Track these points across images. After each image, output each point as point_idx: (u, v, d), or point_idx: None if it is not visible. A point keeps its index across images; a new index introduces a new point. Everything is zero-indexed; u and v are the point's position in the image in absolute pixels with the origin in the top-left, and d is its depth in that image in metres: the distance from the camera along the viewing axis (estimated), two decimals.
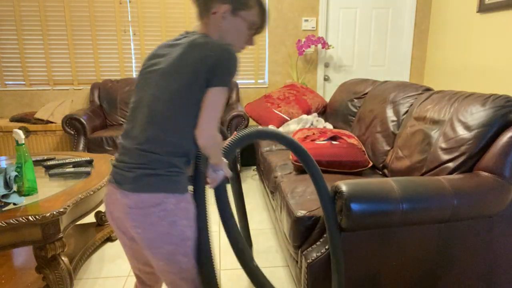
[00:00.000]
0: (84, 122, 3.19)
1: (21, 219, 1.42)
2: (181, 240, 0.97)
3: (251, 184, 3.43)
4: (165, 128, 0.95)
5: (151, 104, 0.96)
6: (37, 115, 3.55)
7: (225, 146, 1.12)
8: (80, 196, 1.66)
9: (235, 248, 1.11)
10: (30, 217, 1.43)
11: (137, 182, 0.94)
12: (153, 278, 1.18)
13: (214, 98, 0.94)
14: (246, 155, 3.71)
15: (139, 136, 0.96)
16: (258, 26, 1.09)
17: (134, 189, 0.94)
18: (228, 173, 1.07)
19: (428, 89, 2.07)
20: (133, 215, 0.95)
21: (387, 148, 2.08)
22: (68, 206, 1.55)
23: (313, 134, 2.29)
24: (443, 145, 1.58)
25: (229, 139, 1.15)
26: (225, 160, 1.06)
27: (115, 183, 0.98)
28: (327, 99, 4.19)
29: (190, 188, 1.03)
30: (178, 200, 0.96)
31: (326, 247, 1.34)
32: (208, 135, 0.94)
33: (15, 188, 1.61)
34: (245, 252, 1.12)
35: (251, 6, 1.05)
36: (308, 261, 1.36)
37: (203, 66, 0.93)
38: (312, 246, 1.41)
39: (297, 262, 1.54)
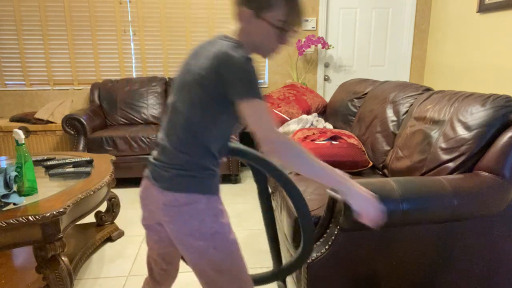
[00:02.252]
0: (84, 122, 3.19)
1: (21, 219, 1.42)
2: (211, 235, 1.00)
3: (251, 184, 3.43)
4: (197, 132, 0.98)
5: (185, 108, 1.00)
6: (37, 115, 3.55)
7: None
8: (80, 196, 1.66)
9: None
10: (30, 217, 1.43)
11: (172, 181, 0.99)
12: (164, 276, 1.21)
13: (251, 110, 0.93)
14: None
15: (174, 138, 1.01)
16: (289, 25, 1.02)
17: (169, 187, 0.99)
18: (372, 199, 1.03)
19: (428, 89, 2.07)
20: (166, 212, 1.01)
21: (387, 148, 2.08)
22: (68, 206, 1.55)
23: (313, 134, 2.29)
24: (443, 145, 1.58)
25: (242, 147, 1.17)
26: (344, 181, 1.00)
27: (152, 180, 1.04)
28: (327, 99, 4.19)
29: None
30: (209, 200, 1.01)
31: (326, 247, 1.34)
32: (272, 143, 0.93)
33: (15, 188, 1.61)
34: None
35: (275, 5, 0.99)
36: (308, 261, 1.36)
37: (219, 77, 0.94)
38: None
39: None
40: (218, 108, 0.97)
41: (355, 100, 2.77)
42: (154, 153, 1.08)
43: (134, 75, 3.98)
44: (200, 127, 0.98)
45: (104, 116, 3.66)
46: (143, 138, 3.17)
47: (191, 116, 0.98)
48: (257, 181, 1.33)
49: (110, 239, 2.32)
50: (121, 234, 2.39)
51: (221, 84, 0.94)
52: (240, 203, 2.92)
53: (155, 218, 1.08)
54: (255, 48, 1.05)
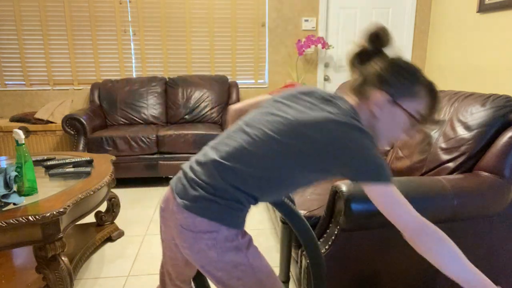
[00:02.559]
0: (84, 122, 3.19)
1: (21, 219, 1.42)
2: (233, 267, 0.92)
3: None
4: (250, 168, 0.89)
5: (256, 141, 0.90)
6: (37, 115, 3.55)
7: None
8: (80, 196, 1.66)
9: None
10: (30, 217, 1.43)
11: (196, 203, 0.90)
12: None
13: (385, 197, 0.83)
14: None
15: (223, 156, 0.92)
16: (426, 119, 0.92)
17: (190, 208, 0.90)
18: None
19: None
20: (183, 235, 0.92)
21: (387, 148, 2.08)
22: (68, 206, 1.55)
23: None
24: (443, 145, 1.58)
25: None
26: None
27: (175, 193, 0.94)
28: None
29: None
30: (231, 233, 0.91)
31: (326, 247, 1.34)
32: (414, 230, 0.81)
33: (15, 188, 1.61)
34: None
35: (418, 95, 0.90)
36: (308, 261, 1.36)
37: (335, 154, 0.85)
38: None
39: (297, 262, 1.54)
40: (300, 173, 0.89)
41: None
42: (193, 161, 0.97)
43: (134, 75, 3.98)
44: (264, 174, 0.90)
45: (104, 116, 3.66)
46: (143, 138, 3.17)
47: (263, 153, 0.89)
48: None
49: (110, 239, 2.32)
50: (121, 234, 2.39)
51: (335, 162, 0.85)
52: None
53: (172, 236, 1.00)
54: (373, 133, 0.94)
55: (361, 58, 0.96)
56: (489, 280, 0.78)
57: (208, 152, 0.96)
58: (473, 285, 0.78)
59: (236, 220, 0.91)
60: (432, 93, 0.91)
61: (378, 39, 0.93)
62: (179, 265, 1.07)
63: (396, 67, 0.91)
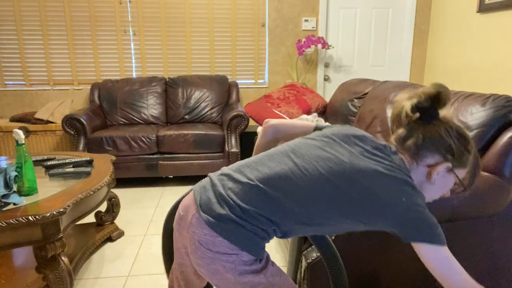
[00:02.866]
0: (84, 122, 3.19)
1: (21, 219, 1.42)
2: (251, 286, 0.88)
3: None
4: (293, 202, 0.85)
5: (304, 175, 0.86)
6: (37, 115, 3.55)
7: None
8: (80, 196, 1.66)
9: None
10: (30, 217, 1.43)
11: (220, 221, 0.85)
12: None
13: (437, 260, 0.81)
14: (247, 155, 3.70)
15: (263, 180, 0.87)
16: (469, 185, 0.96)
17: (213, 226, 0.85)
18: None
19: None
20: (200, 252, 0.87)
21: None
22: (68, 206, 1.55)
23: None
24: None
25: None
26: None
27: (199, 205, 0.89)
28: (327, 99, 4.19)
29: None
30: (251, 259, 0.87)
31: None
32: None
33: (15, 188, 1.61)
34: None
35: (468, 165, 0.93)
36: (308, 261, 1.36)
37: (387, 210, 0.82)
38: (312, 246, 1.41)
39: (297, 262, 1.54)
40: (341, 218, 0.86)
41: (355, 100, 2.77)
42: (222, 177, 0.92)
43: (134, 75, 3.98)
44: (302, 211, 0.85)
45: (104, 116, 3.66)
46: (143, 138, 3.17)
47: (306, 198, 0.84)
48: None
49: (110, 239, 2.32)
50: (121, 234, 2.39)
51: (385, 218, 0.82)
52: None
53: (184, 244, 0.96)
54: (421, 189, 0.93)
55: (423, 115, 0.91)
56: None
57: (245, 170, 0.90)
58: None
59: (258, 247, 0.87)
60: (478, 164, 0.94)
61: (439, 100, 0.89)
62: (188, 271, 1.04)
63: (461, 138, 0.90)
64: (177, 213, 0.97)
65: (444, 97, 0.89)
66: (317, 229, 0.90)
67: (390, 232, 0.85)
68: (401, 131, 0.93)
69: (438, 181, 0.92)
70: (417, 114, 0.90)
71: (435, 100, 0.89)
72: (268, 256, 0.93)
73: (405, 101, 0.92)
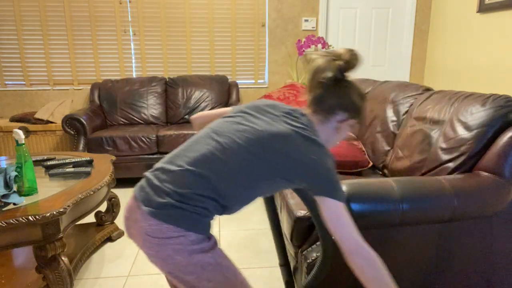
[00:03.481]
0: (84, 122, 3.19)
1: (21, 219, 1.42)
2: (201, 268, 0.93)
3: None
4: (218, 175, 0.92)
5: (226, 150, 0.94)
6: (37, 115, 3.55)
7: None
8: (80, 196, 1.66)
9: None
10: (30, 217, 1.43)
11: (162, 210, 0.90)
12: None
13: (336, 214, 0.91)
14: None
15: (192, 163, 0.94)
16: (362, 126, 1.16)
17: (157, 215, 0.90)
18: None
19: (428, 89, 2.07)
20: (149, 243, 0.92)
21: (387, 148, 2.08)
22: (68, 206, 1.55)
23: None
24: (443, 145, 1.58)
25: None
26: None
27: (140, 201, 0.94)
28: None
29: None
30: (195, 239, 0.92)
31: None
32: (358, 257, 0.92)
33: (15, 188, 1.61)
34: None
35: (360, 115, 1.08)
36: (308, 261, 1.36)
37: (300, 166, 0.93)
38: (312, 246, 1.41)
39: (297, 262, 1.54)
40: (267, 181, 0.95)
41: None
42: (155, 171, 0.98)
43: (134, 75, 3.98)
44: (232, 182, 0.93)
45: (104, 116, 3.66)
46: (143, 138, 3.17)
47: (232, 162, 0.93)
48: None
49: (110, 239, 2.32)
50: (121, 234, 2.39)
51: (300, 174, 0.93)
52: None
53: (138, 243, 0.98)
54: (326, 142, 1.05)
55: (336, 77, 1.01)
56: None
57: (175, 159, 0.97)
58: None
59: (203, 226, 0.93)
60: (364, 111, 1.10)
61: (350, 63, 1.00)
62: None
63: (360, 95, 1.05)
64: (123, 218, 1.01)
65: (354, 61, 1.00)
66: (251, 196, 0.99)
67: (303, 188, 0.98)
68: (318, 91, 1.03)
69: (341, 132, 1.08)
70: (331, 76, 1.00)
71: (347, 63, 1.00)
72: (215, 242, 0.98)
73: (321, 64, 1.01)
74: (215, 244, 0.97)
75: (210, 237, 0.97)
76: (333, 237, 0.92)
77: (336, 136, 1.08)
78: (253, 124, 0.98)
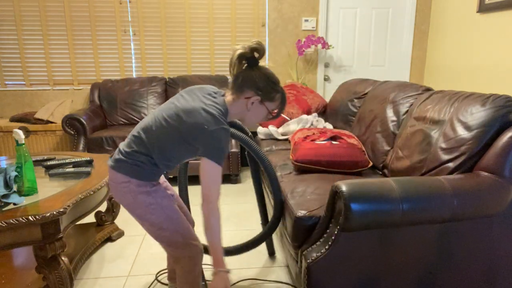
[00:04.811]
0: (84, 122, 3.19)
1: (21, 219, 1.42)
2: (146, 206, 1.31)
3: (251, 184, 3.43)
4: (149, 139, 1.30)
5: (156, 121, 1.31)
6: (37, 115, 3.55)
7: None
8: (80, 196, 1.66)
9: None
10: (30, 217, 1.43)
11: (116, 163, 1.31)
12: None
13: (211, 171, 1.23)
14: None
15: (136, 132, 1.33)
16: (275, 113, 1.40)
17: (113, 167, 1.32)
18: (223, 280, 1.27)
19: (428, 89, 2.07)
20: (112, 188, 1.35)
21: (387, 148, 2.08)
22: (68, 206, 1.55)
23: (313, 134, 2.29)
24: (443, 145, 1.58)
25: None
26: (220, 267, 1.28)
27: (109, 159, 1.36)
28: (327, 99, 4.19)
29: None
30: (140, 184, 1.30)
31: (326, 247, 1.34)
32: (210, 207, 1.25)
33: (15, 188, 1.61)
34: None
35: (276, 99, 1.37)
36: (308, 261, 1.36)
37: (194, 133, 1.23)
38: (312, 246, 1.41)
39: (297, 262, 1.54)
40: (179, 146, 1.28)
41: (355, 100, 2.77)
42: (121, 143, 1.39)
43: (134, 75, 3.98)
44: (157, 140, 1.28)
45: (104, 116, 3.66)
46: None
47: (158, 130, 1.28)
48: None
49: (110, 239, 2.32)
50: (121, 234, 2.39)
51: (195, 138, 1.24)
52: (240, 203, 2.92)
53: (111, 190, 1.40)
54: (242, 119, 1.39)
55: (248, 63, 1.32)
56: (222, 260, 1.27)
57: (133, 131, 1.36)
58: (216, 254, 1.26)
59: (142, 174, 1.30)
60: (283, 100, 1.40)
61: (258, 52, 1.31)
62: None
63: (269, 80, 1.33)
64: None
65: (261, 51, 1.30)
66: (172, 156, 1.31)
67: (199, 153, 1.27)
68: (234, 73, 1.33)
69: (253, 109, 1.35)
70: (244, 62, 1.32)
71: (256, 52, 1.30)
72: (161, 188, 1.36)
73: (237, 51, 1.29)
74: (159, 188, 1.35)
75: (155, 184, 1.34)
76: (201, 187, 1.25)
77: (249, 113, 1.35)
78: (178, 103, 1.31)
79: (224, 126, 1.23)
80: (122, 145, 1.34)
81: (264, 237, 1.80)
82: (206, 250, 1.83)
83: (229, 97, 1.35)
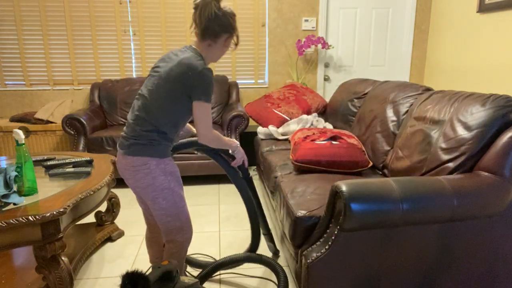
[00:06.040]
0: (84, 122, 3.19)
1: (21, 219, 1.42)
2: (161, 189, 1.43)
3: None
4: (150, 114, 1.40)
5: (147, 96, 1.42)
6: (37, 115, 3.55)
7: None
8: (80, 196, 1.66)
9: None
10: (30, 217, 1.43)
11: (129, 148, 1.40)
12: (153, 220, 1.67)
13: (201, 111, 1.36)
14: (247, 155, 3.71)
15: (134, 116, 1.43)
16: (235, 46, 1.56)
17: (128, 153, 1.40)
18: (241, 153, 1.66)
19: (428, 89, 2.07)
20: (128, 171, 1.43)
21: (387, 148, 2.08)
22: (68, 206, 1.55)
23: (313, 134, 2.29)
24: (443, 145, 1.58)
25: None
26: (235, 144, 1.61)
27: (119, 148, 1.45)
28: (327, 99, 4.19)
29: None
30: (158, 162, 1.41)
31: (326, 247, 1.34)
32: (208, 139, 1.42)
33: (15, 188, 1.61)
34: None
35: (235, 36, 1.52)
36: (308, 261, 1.36)
37: (183, 82, 1.35)
38: (312, 246, 1.41)
39: (297, 262, 1.54)
40: (174, 102, 1.38)
41: (355, 100, 2.77)
42: (124, 127, 1.47)
43: (134, 75, 3.98)
44: (156, 111, 1.38)
45: (104, 116, 3.66)
46: None
47: (152, 102, 1.39)
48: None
49: (110, 239, 2.32)
50: (121, 234, 2.39)
51: (185, 86, 1.35)
52: (240, 203, 2.92)
53: (133, 186, 1.47)
54: (210, 59, 1.50)
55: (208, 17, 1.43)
56: (232, 141, 1.61)
57: (129, 117, 1.46)
58: (226, 143, 1.54)
59: (158, 151, 1.40)
60: (235, 27, 1.49)
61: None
62: (141, 202, 1.62)
63: (226, 23, 1.43)
64: (117, 168, 1.51)
65: None
66: (176, 120, 1.42)
67: (190, 97, 1.37)
68: (203, 23, 1.42)
69: (218, 50, 1.48)
70: (213, 11, 1.40)
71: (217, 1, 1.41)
72: (175, 170, 1.48)
73: (203, 5, 1.40)
74: (173, 169, 1.47)
75: (169, 162, 1.45)
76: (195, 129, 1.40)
77: (215, 50, 1.47)
78: (158, 72, 1.43)
79: (207, 66, 1.36)
80: (126, 132, 1.42)
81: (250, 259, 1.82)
82: (189, 262, 1.91)
83: (199, 45, 1.47)
